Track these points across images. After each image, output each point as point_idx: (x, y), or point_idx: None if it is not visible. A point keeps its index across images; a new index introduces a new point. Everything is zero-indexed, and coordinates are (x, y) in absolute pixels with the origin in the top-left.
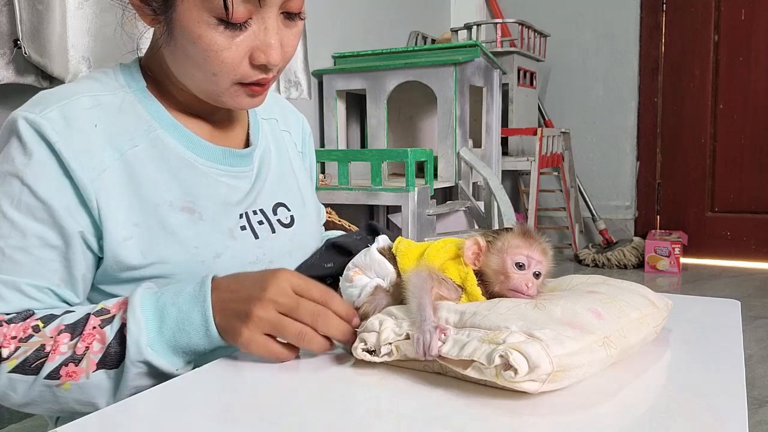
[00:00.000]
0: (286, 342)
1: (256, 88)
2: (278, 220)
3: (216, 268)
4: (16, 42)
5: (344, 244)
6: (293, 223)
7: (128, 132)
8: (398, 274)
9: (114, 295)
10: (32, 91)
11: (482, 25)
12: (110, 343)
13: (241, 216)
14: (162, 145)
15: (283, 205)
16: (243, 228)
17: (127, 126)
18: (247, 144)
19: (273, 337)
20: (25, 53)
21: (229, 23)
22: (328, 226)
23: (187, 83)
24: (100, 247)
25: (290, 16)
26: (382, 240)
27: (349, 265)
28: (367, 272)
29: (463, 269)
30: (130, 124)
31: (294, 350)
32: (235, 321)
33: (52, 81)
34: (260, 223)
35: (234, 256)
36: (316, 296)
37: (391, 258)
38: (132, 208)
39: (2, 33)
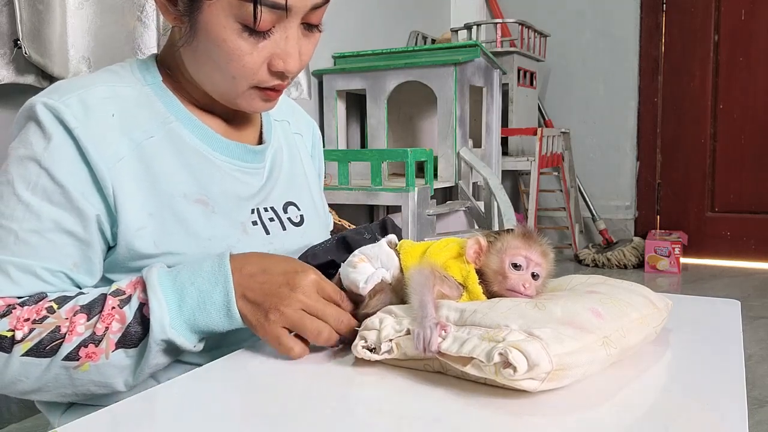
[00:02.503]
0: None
1: (270, 93)
2: (288, 219)
3: None
4: (16, 42)
5: (352, 241)
6: (303, 222)
7: (144, 123)
8: (401, 271)
9: None
10: (32, 91)
11: (482, 25)
12: (130, 323)
13: (252, 211)
14: (177, 137)
15: (294, 204)
16: (254, 223)
17: (143, 117)
18: (259, 142)
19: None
20: (25, 53)
21: (253, 30)
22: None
23: (203, 83)
24: (113, 235)
25: (310, 27)
26: (392, 237)
27: (356, 252)
28: (372, 261)
29: (464, 267)
30: (146, 115)
31: (305, 350)
32: (258, 311)
33: (52, 81)
34: (271, 220)
35: (245, 250)
36: (338, 300)
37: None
38: (146, 198)
39: (2, 33)
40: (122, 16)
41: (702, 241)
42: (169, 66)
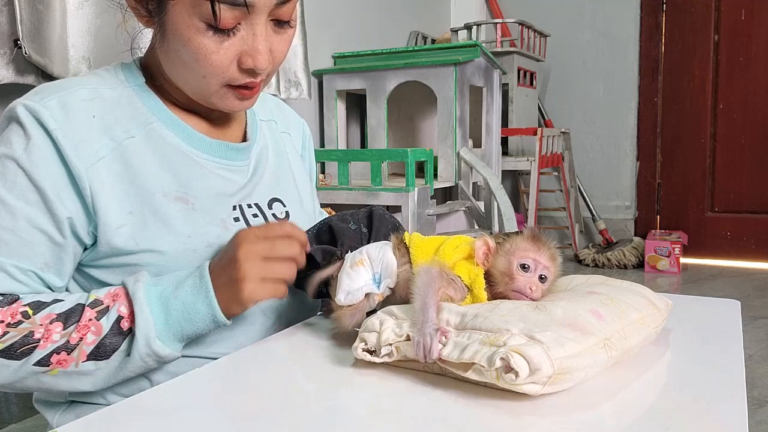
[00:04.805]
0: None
1: (244, 92)
2: (273, 215)
3: (208, 257)
4: (16, 42)
5: (337, 229)
6: (288, 218)
7: (125, 123)
8: (410, 265)
9: (100, 279)
10: None
11: (482, 25)
12: (106, 335)
13: (234, 208)
14: (158, 136)
15: (279, 200)
16: (236, 219)
17: (124, 118)
18: (244, 140)
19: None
20: (26, 53)
21: (217, 29)
22: None
23: (179, 83)
24: (90, 234)
25: (280, 23)
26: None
27: (362, 249)
28: (373, 264)
29: (474, 270)
30: (128, 116)
31: (284, 285)
32: (232, 286)
33: (52, 81)
34: (254, 216)
35: None
36: (279, 232)
37: (403, 247)
38: (126, 196)
39: (2, 33)
40: (123, 16)
41: (702, 241)
42: (151, 68)
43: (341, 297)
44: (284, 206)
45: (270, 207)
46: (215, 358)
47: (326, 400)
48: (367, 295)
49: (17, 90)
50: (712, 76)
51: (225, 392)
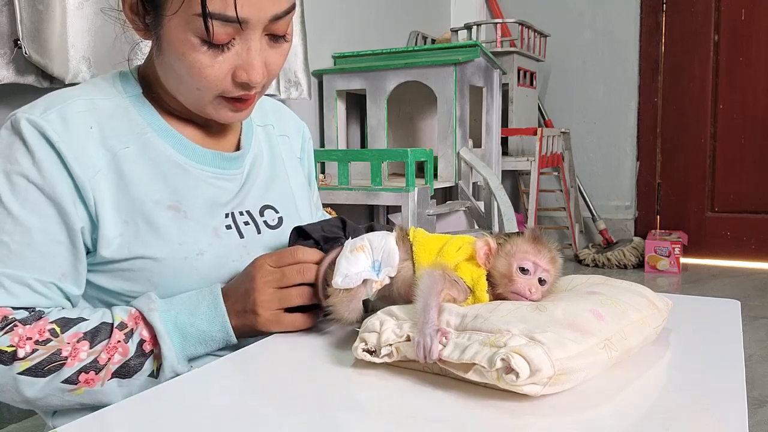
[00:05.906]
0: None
1: (239, 104)
2: (264, 222)
3: (199, 265)
4: (16, 42)
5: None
6: (281, 225)
7: (120, 134)
8: (412, 263)
9: (94, 282)
10: (32, 90)
11: (482, 25)
12: (131, 357)
13: (227, 215)
14: (152, 147)
15: (272, 207)
16: (228, 227)
17: (119, 129)
18: (238, 149)
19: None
20: (26, 53)
21: (211, 44)
22: None
23: (175, 94)
24: (93, 241)
25: (275, 38)
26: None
27: (364, 236)
28: (374, 252)
29: (476, 272)
30: (123, 127)
31: (310, 317)
32: (247, 316)
33: (52, 81)
34: (246, 223)
35: (217, 254)
36: (291, 260)
37: (406, 243)
38: (121, 206)
39: (2, 33)
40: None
41: (702, 241)
42: (150, 77)
43: (338, 280)
44: (277, 212)
45: (262, 214)
46: (215, 356)
47: (326, 400)
48: (364, 281)
49: (17, 90)
50: (712, 76)
51: (224, 392)
